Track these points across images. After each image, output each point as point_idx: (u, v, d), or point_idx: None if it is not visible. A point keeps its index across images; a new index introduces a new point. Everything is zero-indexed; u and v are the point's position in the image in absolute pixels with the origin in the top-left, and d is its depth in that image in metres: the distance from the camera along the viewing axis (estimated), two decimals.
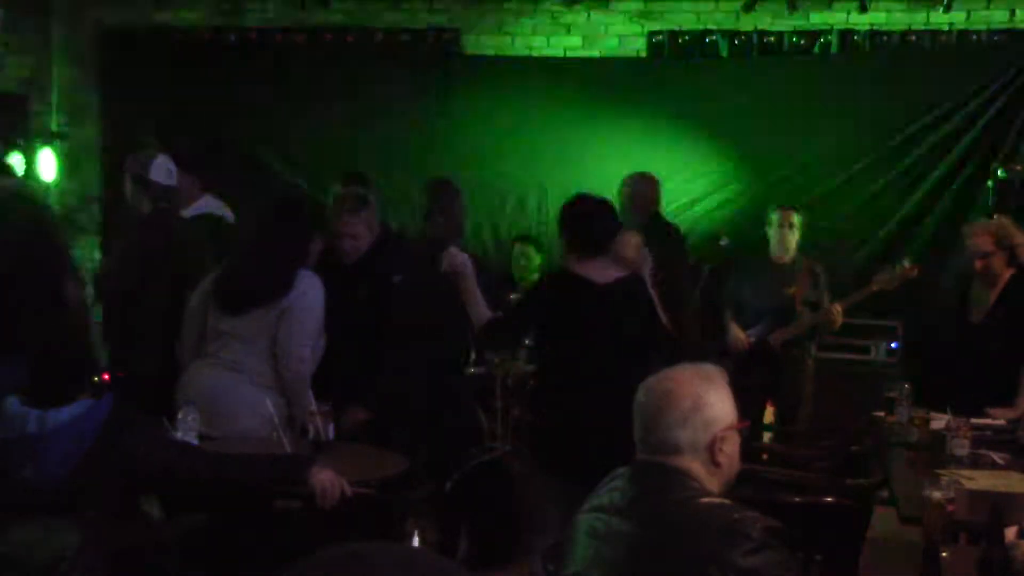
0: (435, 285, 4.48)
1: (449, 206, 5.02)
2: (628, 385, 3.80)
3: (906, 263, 5.77)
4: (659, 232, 5.46)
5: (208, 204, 5.24)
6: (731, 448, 2.37)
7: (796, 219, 5.97)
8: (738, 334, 5.97)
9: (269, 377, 3.97)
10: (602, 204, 4.23)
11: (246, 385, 3.94)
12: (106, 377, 2.78)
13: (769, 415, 5.97)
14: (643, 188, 5.78)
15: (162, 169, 4.68)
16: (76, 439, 2.52)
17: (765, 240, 6.09)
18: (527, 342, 4.95)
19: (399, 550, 1.53)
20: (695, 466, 2.30)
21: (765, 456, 4.84)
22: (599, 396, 3.91)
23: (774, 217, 6.02)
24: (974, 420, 4.23)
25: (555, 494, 3.98)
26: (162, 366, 4.29)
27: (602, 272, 4.10)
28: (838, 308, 5.79)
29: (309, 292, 4.03)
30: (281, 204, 4.38)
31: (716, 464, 2.32)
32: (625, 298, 4.12)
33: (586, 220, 4.16)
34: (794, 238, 5.96)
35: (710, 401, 2.33)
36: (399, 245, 4.53)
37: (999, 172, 6.63)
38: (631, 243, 4.40)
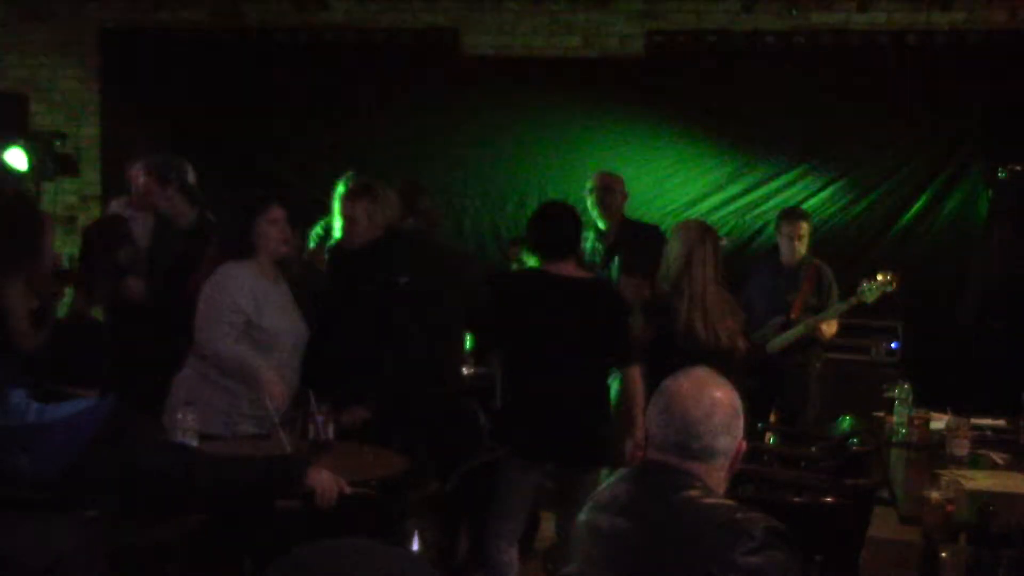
0: (437, 286, 4.48)
1: (425, 207, 5.03)
2: (587, 375, 4.02)
3: (888, 275, 5.63)
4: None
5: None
6: None
7: (803, 226, 5.83)
8: None
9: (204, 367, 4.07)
10: (568, 209, 4.27)
11: (192, 378, 4.05)
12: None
13: (771, 416, 5.94)
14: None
15: (191, 172, 4.79)
16: (72, 435, 2.53)
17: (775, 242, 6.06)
18: None
19: (379, 551, 1.52)
20: (715, 471, 2.29)
21: (765, 456, 4.83)
22: (561, 384, 4.00)
23: (779, 224, 5.95)
24: (974, 420, 4.23)
25: (518, 474, 4.08)
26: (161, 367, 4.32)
27: (572, 271, 4.14)
28: (812, 324, 5.68)
29: (209, 286, 4.07)
30: (234, 206, 4.44)
31: (732, 469, 2.32)
32: (593, 294, 4.16)
33: (555, 224, 4.18)
34: (801, 244, 5.82)
35: (740, 407, 2.33)
36: (405, 246, 4.52)
37: (999, 172, 6.62)
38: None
